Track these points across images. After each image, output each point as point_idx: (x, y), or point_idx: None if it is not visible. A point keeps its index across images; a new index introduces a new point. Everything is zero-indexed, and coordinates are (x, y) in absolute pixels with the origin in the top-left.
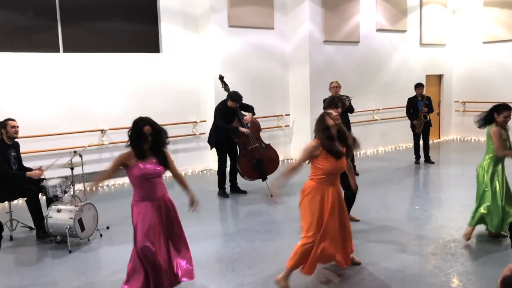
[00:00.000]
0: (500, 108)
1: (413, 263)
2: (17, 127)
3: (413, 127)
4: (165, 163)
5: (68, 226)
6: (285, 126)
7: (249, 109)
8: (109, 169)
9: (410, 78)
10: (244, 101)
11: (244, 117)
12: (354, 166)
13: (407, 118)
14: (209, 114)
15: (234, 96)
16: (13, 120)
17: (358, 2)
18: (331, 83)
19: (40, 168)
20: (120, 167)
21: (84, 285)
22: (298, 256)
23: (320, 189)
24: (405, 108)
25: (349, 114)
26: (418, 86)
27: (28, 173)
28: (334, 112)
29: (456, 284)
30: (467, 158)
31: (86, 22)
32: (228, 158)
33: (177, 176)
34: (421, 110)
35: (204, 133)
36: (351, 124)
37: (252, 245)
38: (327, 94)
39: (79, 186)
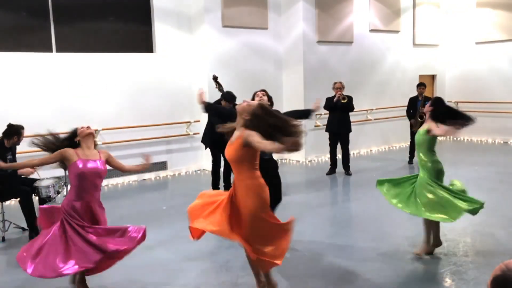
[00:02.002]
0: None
1: (406, 262)
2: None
3: (411, 126)
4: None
5: None
6: None
7: None
8: (43, 159)
9: (403, 79)
10: (238, 101)
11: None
12: (348, 166)
13: (401, 118)
14: (203, 114)
15: (228, 96)
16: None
17: (351, 2)
18: (335, 83)
19: (30, 170)
20: (58, 161)
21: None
22: None
23: None
24: (399, 108)
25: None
26: (419, 85)
27: (20, 171)
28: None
29: (449, 283)
30: (460, 158)
31: (79, 22)
32: (222, 158)
33: (121, 168)
34: (418, 110)
35: (198, 133)
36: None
37: None
38: (321, 94)
39: None
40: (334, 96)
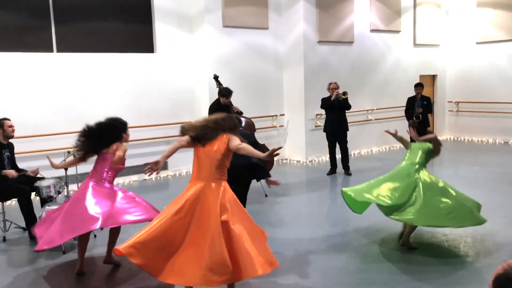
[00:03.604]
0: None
1: (407, 263)
2: (13, 126)
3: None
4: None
5: None
6: (280, 126)
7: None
8: None
9: (403, 79)
10: (239, 101)
11: (234, 107)
12: (348, 166)
13: (401, 118)
14: (204, 114)
15: (224, 91)
16: (9, 119)
17: (352, 2)
18: (330, 83)
19: (36, 170)
20: None
21: (78, 286)
22: None
23: None
24: (399, 108)
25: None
26: (417, 86)
27: (4, 171)
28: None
29: (450, 283)
30: (460, 158)
31: (80, 22)
32: None
33: None
34: (415, 110)
35: None
36: (348, 123)
37: None
38: (322, 94)
39: (73, 187)
40: (330, 96)
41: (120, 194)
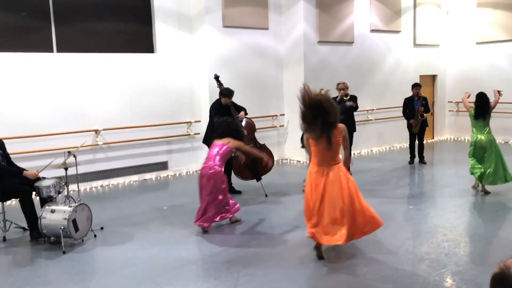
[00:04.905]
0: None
1: (407, 262)
2: None
3: (409, 127)
4: None
5: (62, 227)
6: (280, 126)
7: (241, 109)
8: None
9: (404, 79)
10: (239, 101)
11: (238, 115)
12: (349, 167)
13: (401, 118)
14: (204, 114)
15: (225, 92)
16: None
17: (352, 2)
18: (338, 84)
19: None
20: None
21: (78, 286)
22: None
23: None
24: (399, 108)
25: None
26: (415, 86)
27: (25, 173)
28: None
29: (450, 283)
30: (460, 158)
31: (80, 22)
32: None
33: None
34: (417, 109)
35: (198, 133)
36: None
37: (247, 245)
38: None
39: (73, 187)
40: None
41: None
